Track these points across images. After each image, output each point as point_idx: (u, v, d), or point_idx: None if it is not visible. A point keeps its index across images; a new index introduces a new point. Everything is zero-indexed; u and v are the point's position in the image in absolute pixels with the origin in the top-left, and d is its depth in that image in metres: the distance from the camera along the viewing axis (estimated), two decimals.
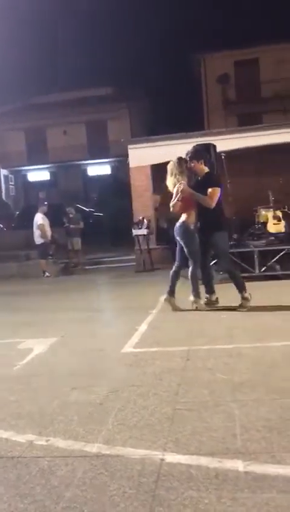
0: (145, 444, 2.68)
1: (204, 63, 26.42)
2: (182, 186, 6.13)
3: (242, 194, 10.54)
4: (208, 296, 6.54)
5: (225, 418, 2.92)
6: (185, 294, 6.34)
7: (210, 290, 6.59)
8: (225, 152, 9.67)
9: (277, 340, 4.55)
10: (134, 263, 12.53)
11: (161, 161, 9.27)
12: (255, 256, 8.85)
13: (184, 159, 6.35)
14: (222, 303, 6.47)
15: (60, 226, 14.16)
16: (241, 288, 6.19)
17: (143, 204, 12.74)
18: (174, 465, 2.43)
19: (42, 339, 5.43)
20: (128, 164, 13.14)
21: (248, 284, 6.31)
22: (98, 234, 17.84)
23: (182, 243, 6.31)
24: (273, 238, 9.60)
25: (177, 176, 6.23)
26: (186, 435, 2.75)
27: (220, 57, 25.72)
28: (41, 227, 12.90)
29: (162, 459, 2.49)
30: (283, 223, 9.74)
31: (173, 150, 9.10)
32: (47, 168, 32.29)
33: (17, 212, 24.50)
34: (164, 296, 6.63)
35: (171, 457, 2.50)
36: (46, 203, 14.20)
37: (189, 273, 6.27)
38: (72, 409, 3.29)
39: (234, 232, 9.57)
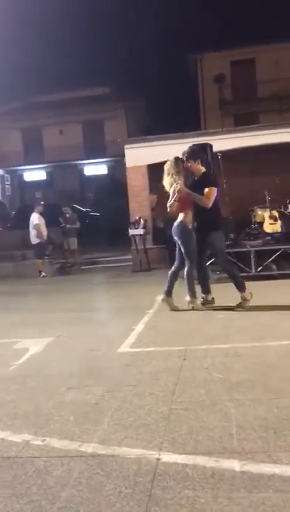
0: (141, 443, 2.68)
1: (200, 62, 26.43)
2: (178, 186, 6.13)
3: (238, 193, 10.57)
4: (204, 296, 6.55)
5: (221, 418, 2.92)
6: (181, 294, 6.34)
7: (206, 290, 6.59)
8: (221, 152, 9.70)
9: (273, 340, 4.56)
10: (130, 263, 12.52)
11: (158, 161, 9.26)
12: (252, 256, 8.86)
13: (181, 158, 6.35)
14: (218, 303, 6.47)
15: (56, 226, 14.14)
16: (240, 288, 6.19)
17: (140, 204, 12.74)
18: (170, 464, 2.43)
19: (38, 338, 5.42)
20: (124, 164, 13.14)
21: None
22: (95, 234, 17.83)
23: (179, 243, 6.31)
24: (269, 237, 9.63)
25: (174, 176, 6.22)
26: (182, 434, 2.74)
27: (217, 57, 25.73)
28: (37, 227, 12.88)
29: (158, 459, 2.49)
30: (279, 222, 9.77)
31: (169, 149, 9.12)
32: (43, 167, 32.24)
33: (13, 212, 24.45)
34: (160, 296, 6.63)
35: (168, 457, 2.50)
36: (42, 202, 14.18)
37: (185, 273, 6.27)
38: (68, 408, 3.28)
39: (231, 231, 9.60)
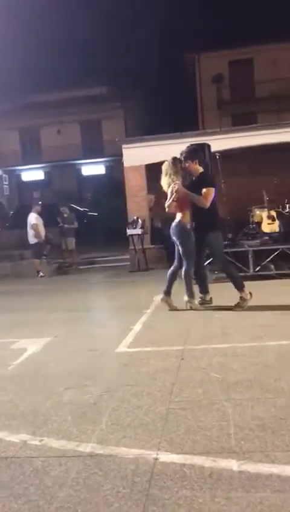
0: (139, 443, 2.68)
1: (198, 62, 26.43)
2: (176, 187, 6.13)
3: (236, 193, 10.58)
4: (202, 295, 6.55)
5: (219, 417, 2.92)
6: (180, 294, 6.34)
7: (204, 290, 6.60)
8: (219, 152, 9.71)
9: (271, 340, 4.56)
10: (128, 263, 12.52)
11: (156, 161, 9.27)
12: (250, 255, 8.87)
13: (179, 159, 6.35)
14: (216, 302, 6.48)
15: (54, 225, 14.14)
16: (239, 287, 6.20)
17: (137, 204, 12.74)
18: (168, 464, 2.43)
19: (36, 338, 5.42)
20: (122, 164, 13.13)
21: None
22: (93, 234, 17.83)
23: (178, 243, 6.31)
24: (267, 237, 9.64)
25: (172, 176, 6.23)
26: (180, 434, 2.74)
27: (215, 57, 25.74)
28: (34, 227, 12.88)
29: (156, 459, 2.49)
30: (277, 222, 9.78)
31: (167, 149, 9.12)
32: (41, 167, 32.22)
33: (11, 212, 24.44)
34: (158, 296, 6.63)
35: (165, 457, 2.50)
36: (40, 202, 14.16)
37: (182, 273, 6.28)
38: (66, 408, 3.28)
39: (229, 231, 9.60)
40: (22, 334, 5.74)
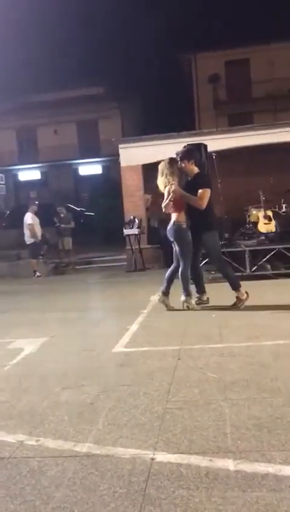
0: (135, 443, 2.68)
1: (195, 62, 26.47)
2: (173, 187, 6.13)
3: (233, 193, 10.59)
4: (199, 295, 6.56)
5: (215, 417, 2.92)
6: (176, 294, 6.35)
7: (201, 290, 6.60)
8: (215, 152, 9.70)
9: (268, 340, 4.57)
10: (125, 263, 12.52)
11: (152, 161, 9.29)
12: (246, 255, 8.88)
13: (175, 159, 6.35)
14: (213, 302, 6.48)
15: (51, 225, 14.11)
16: (235, 287, 6.20)
17: (134, 204, 12.73)
18: (164, 464, 2.43)
19: (33, 338, 5.41)
20: (119, 164, 13.13)
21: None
22: (89, 234, 17.82)
23: (175, 243, 6.32)
24: (264, 237, 9.66)
25: (168, 177, 6.23)
26: (176, 434, 2.75)
27: (211, 57, 25.77)
28: (30, 227, 12.85)
29: (153, 458, 2.49)
30: (273, 222, 9.79)
31: (164, 149, 9.13)
32: (38, 167, 32.19)
33: (8, 212, 24.40)
34: (155, 296, 6.63)
35: (162, 457, 2.50)
36: (36, 202, 14.14)
37: (179, 273, 6.28)
38: (63, 408, 3.28)
39: (225, 231, 9.61)
40: (19, 334, 5.73)
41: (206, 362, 4.01)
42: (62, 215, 14.27)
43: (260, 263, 8.98)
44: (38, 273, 12.54)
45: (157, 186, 6.48)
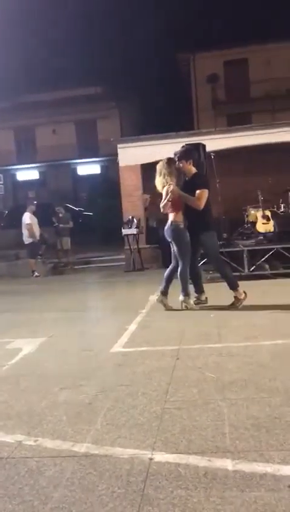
0: (134, 443, 2.68)
1: (193, 62, 26.47)
2: (171, 187, 6.14)
3: (231, 193, 10.60)
4: (197, 295, 6.56)
5: (214, 417, 2.92)
6: (175, 294, 6.35)
7: (199, 290, 6.60)
8: (214, 152, 9.72)
9: (266, 340, 4.57)
10: (124, 263, 12.52)
11: (151, 160, 9.28)
12: (245, 255, 8.89)
13: (173, 159, 6.36)
14: (211, 302, 6.49)
15: (49, 225, 14.11)
16: (233, 287, 6.21)
17: (133, 203, 12.73)
18: (163, 464, 2.43)
19: (31, 338, 5.41)
20: (118, 163, 13.13)
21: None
22: (88, 234, 17.81)
23: (173, 243, 6.32)
24: (262, 237, 9.67)
25: (166, 177, 6.23)
26: (175, 433, 2.75)
27: (210, 57, 25.78)
28: (28, 227, 12.84)
29: (151, 458, 2.49)
30: (271, 222, 9.81)
31: (162, 149, 9.14)
32: (36, 167, 32.15)
33: (6, 212, 24.37)
34: (154, 296, 6.63)
35: (160, 457, 2.50)
36: (35, 202, 14.13)
37: (178, 273, 6.28)
38: (61, 408, 3.28)
39: (224, 231, 9.62)
40: (17, 334, 5.73)
41: (205, 362, 4.01)
42: (60, 215, 14.27)
43: (258, 263, 8.98)
44: (36, 273, 12.53)
45: (155, 186, 6.48)
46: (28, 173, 32.38)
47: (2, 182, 32.43)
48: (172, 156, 6.47)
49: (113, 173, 17.33)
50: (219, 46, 24.89)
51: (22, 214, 13.38)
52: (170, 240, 6.34)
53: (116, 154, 13.15)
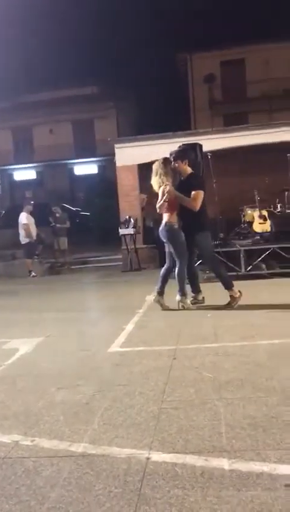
0: (131, 443, 2.68)
1: (190, 62, 26.50)
2: (168, 188, 6.14)
3: (228, 193, 10.62)
4: (194, 295, 6.57)
5: (211, 417, 2.93)
6: (171, 294, 6.36)
7: (196, 289, 6.61)
8: (211, 152, 9.72)
9: (263, 339, 4.58)
10: (121, 263, 12.52)
11: (148, 160, 9.28)
12: (241, 255, 8.91)
13: (169, 159, 6.36)
14: (208, 302, 6.50)
15: (46, 225, 14.10)
16: (228, 286, 6.22)
17: (130, 203, 12.73)
18: (159, 463, 2.43)
19: (28, 338, 5.40)
20: (115, 163, 13.13)
21: (234, 284, 6.33)
22: (85, 233, 17.82)
23: (169, 244, 6.32)
24: (259, 237, 9.69)
25: (162, 177, 6.23)
26: (172, 433, 2.75)
27: (206, 57, 25.82)
28: (25, 227, 12.83)
29: (148, 458, 2.49)
30: (268, 222, 9.83)
31: (159, 149, 9.14)
32: (33, 167, 32.14)
33: (3, 211, 24.34)
34: (151, 296, 6.63)
35: (157, 456, 2.51)
36: (32, 202, 14.13)
37: (176, 273, 6.29)
38: (58, 408, 3.28)
39: (220, 231, 9.63)
40: (14, 334, 5.72)
41: (202, 362, 4.02)
42: (57, 214, 14.26)
43: (255, 263, 9.00)
44: (33, 273, 12.52)
45: (152, 186, 6.49)
46: (25, 173, 32.36)
47: None
48: (168, 156, 6.47)
49: (110, 173, 17.31)
50: (215, 46, 24.93)
51: (18, 214, 13.37)
52: (164, 240, 6.35)
53: (114, 154, 13.15)
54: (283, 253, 8.89)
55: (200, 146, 8.31)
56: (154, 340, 4.92)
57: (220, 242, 9.22)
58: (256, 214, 9.92)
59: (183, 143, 7.67)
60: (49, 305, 8.07)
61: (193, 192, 6.14)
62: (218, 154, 10.31)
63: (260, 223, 9.81)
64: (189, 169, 6.41)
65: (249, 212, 10.20)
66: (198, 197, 6.17)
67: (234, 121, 20.10)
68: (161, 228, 6.35)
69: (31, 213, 13.18)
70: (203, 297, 6.57)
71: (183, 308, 6.23)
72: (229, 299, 6.17)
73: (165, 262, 6.55)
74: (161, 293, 6.40)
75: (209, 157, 9.48)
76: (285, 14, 29.57)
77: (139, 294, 7.78)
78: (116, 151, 12.96)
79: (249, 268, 8.91)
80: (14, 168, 32.36)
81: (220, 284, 6.40)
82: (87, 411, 3.19)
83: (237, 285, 6.31)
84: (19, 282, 11.59)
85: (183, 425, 2.84)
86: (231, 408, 3.03)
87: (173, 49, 26.94)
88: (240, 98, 25.59)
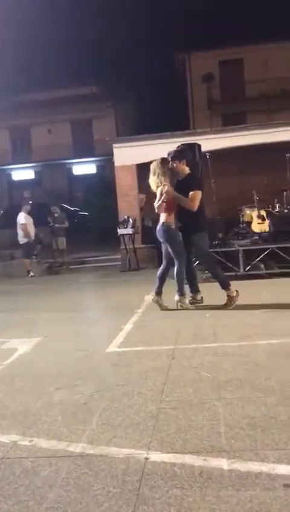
0: (129, 443, 2.68)
1: (189, 62, 26.49)
2: (166, 188, 6.14)
3: (227, 193, 10.61)
4: (192, 295, 6.56)
5: (209, 417, 2.92)
6: (170, 294, 6.35)
7: (195, 289, 6.61)
8: (209, 152, 9.72)
9: (261, 339, 4.58)
10: (119, 262, 12.51)
11: (146, 160, 9.23)
12: (240, 255, 8.90)
13: (167, 159, 6.36)
14: (206, 302, 6.50)
15: (45, 225, 14.09)
16: (224, 286, 6.22)
17: (128, 203, 12.72)
18: (158, 463, 2.43)
19: (26, 338, 5.40)
20: (113, 163, 13.12)
21: (232, 283, 6.34)
22: (84, 233, 17.80)
23: (167, 244, 6.32)
24: (257, 237, 9.68)
25: (160, 177, 6.23)
26: (170, 433, 2.75)
27: (205, 57, 25.81)
28: (23, 226, 12.81)
29: (147, 458, 2.49)
30: (267, 222, 9.82)
31: (158, 149, 9.12)
32: (32, 167, 32.10)
33: (1, 211, 24.31)
34: (150, 296, 6.63)
35: (156, 456, 2.50)
36: (30, 202, 14.11)
37: (174, 273, 6.28)
38: (57, 409, 3.27)
39: (219, 231, 9.63)
40: (12, 334, 5.72)
41: (200, 362, 4.02)
42: (56, 214, 14.25)
43: (253, 263, 9.00)
44: (32, 273, 12.51)
45: (150, 186, 6.49)
46: (23, 173, 32.32)
47: None
48: (166, 155, 6.46)
49: (109, 173, 17.30)
50: (214, 45, 24.90)
51: (17, 214, 13.34)
52: (161, 241, 6.35)
53: (112, 154, 13.14)
54: (282, 253, 8.89)
55: (199, 146, 8.30)
56: (152, 340, 4.92)
57: (219, 242, 9.21)
58: (255, 214, 9.92)
59: (182, 143, 7.66)
60: (48, 305, 8.06)
61: (190, 193, 6.14)
62: (216, 154, 10.31)
63: (258, 223, 9.81)
64: (187, 170, 6.41)
65: (248, 212, 10.20)
66: (196, 197, 6.17)
67: (232, 121, 20.12)
68: (158, 228, 6.35)
69: (29, 213, 13.15)
70: (201, 297, 6.56)
71: (182, 308, 6.23)
72: (226, 298, 6.16)
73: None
74: (159, 293, 6.40)
75: (207, 157, 9.48)
76: (285, 14, 29.56)
77: (137, 294, 7.77)
78: (115, 151, 12.95)
79: (248, 268, 8.90)
80: (12, 168, 32.32)
81: (218, 284, 6.40)
82: (85, 411, 3.18)
83: (236, 285, 6.31)
84: (17, 282, 11.58)
85: (181, 425, 2.84)
86: (229, 408, 3.03)
87: (172, 49, 26.94)
88: (239, 98, 25.59)
